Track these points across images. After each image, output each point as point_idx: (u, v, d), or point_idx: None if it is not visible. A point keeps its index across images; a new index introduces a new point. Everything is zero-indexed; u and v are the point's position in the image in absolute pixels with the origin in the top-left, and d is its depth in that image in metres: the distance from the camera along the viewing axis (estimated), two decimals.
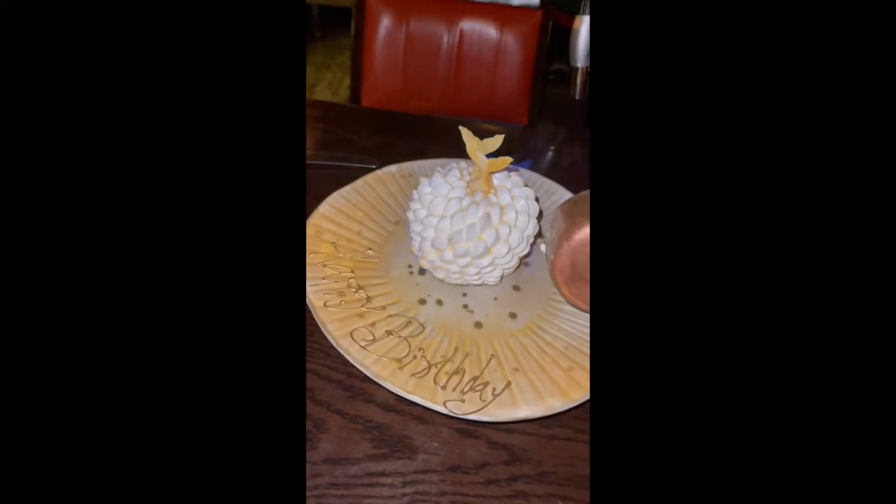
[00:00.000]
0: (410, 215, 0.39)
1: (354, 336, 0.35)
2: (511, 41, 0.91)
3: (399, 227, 0.45)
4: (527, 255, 0.41)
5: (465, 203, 0.37)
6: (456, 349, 0.36)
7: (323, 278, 0.39)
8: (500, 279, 0.40)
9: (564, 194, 0.49)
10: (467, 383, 0.34)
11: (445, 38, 0.92)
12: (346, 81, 1.99)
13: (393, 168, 0.50)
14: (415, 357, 0.35)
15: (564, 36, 0.56)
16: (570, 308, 0.40)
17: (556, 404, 0.33)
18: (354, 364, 0.33)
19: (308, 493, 0.30)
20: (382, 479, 0.31)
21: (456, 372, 0.34)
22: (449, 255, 0.37)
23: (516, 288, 0.42)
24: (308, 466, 0.31)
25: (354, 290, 0.39)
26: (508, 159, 0.37)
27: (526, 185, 0.39)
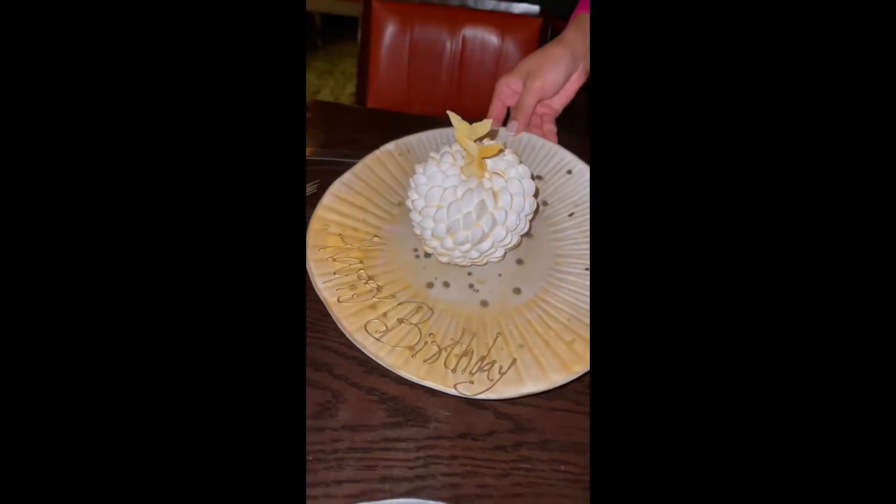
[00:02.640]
0: (409, 204, 0.41)
1: (368, 329, 0.37)
2: (512, 47, 0.94)
3: (401, 208, 0.46)
4: (528, 233, 0.42)
5: (459, 192, 0.38)
6: (463, 330, 0.38)
7: (334, 273, 0.40)
8: (504, 256, 0.42)
9: (565, 155, 0.48)
10: (475, 364, 0.36)
11: (448, 45, 0.95)
12: (349, 88, 2.03)
13: (390, 146, 0.50)
14: (426, 343, 0.37)
15: None
16: (572, 279, 0.41)
17: (557, 378, 0.35)
18: (371, 357, 0.36)
19: (329, 457, 0.32)
20: (398, 444, 0.33)
21: (465, 354, 0.36)
22: (449, 242, 0.39)
23: (519, 262, 0.43)
24: (328, 433, 0.33)
25: (365, 280, 0.40)
26: (499, 146, 0.38)
27: (520, 163, 0.40)
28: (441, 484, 0.31)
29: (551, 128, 0.53)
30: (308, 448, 0.32)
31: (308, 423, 0.34)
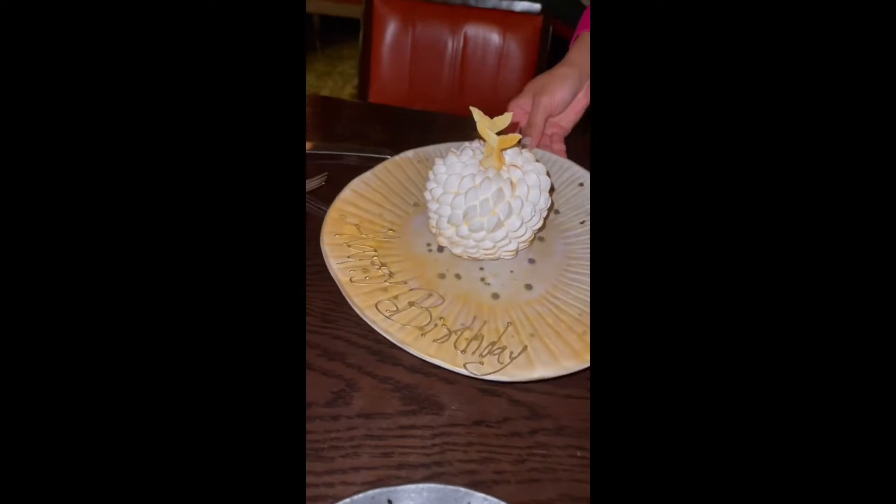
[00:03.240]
0: (428, 195, 0.42)
1: (379, 307, 0.37)
2: (513, 45, 0.95)
3: (417, 209, 0.48)
4: (541, 229, 0.44)
5: (477, 180, 0.39)
6: (474, 318, 0.38)
7: (348, 257, 0.41)
8: (516, 253, 0.43)
9: (577, 170, 0.51)
10: (486, 348, 0.36)
11: (450, 43, 0.96)
12: (347, 89, 2.03)
13: (409, 153, 0.52)
14: (436, 325, 0.37)
15: (565, 47, 0.59)
16: (584, 278, 0.42)
17: (569, 365, 0.35)
18: (380, 332, 0.36)
19: (345, 444, 0.32)
20: (413, 432, 0.33)
21: (475, 338, 0.37)
22: (465, 230, 0.40)
23: (531, 261, 0.44)
24: (344, 420, 0.33)
25: (378, 266, 0.41)
26: (518, 136, 0.39)
27: (537, 161, 0.41)
28: (458, 470, 0.31)
29: (561, 147, 0.56)
30: (323, 436, 0.32)
31: (323, 411, 0.33)
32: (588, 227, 0.46)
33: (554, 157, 0.53)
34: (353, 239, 0.43)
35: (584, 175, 0.50)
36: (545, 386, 0.37)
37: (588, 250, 0.44)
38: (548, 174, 0.41)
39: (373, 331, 0.39)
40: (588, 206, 0.47)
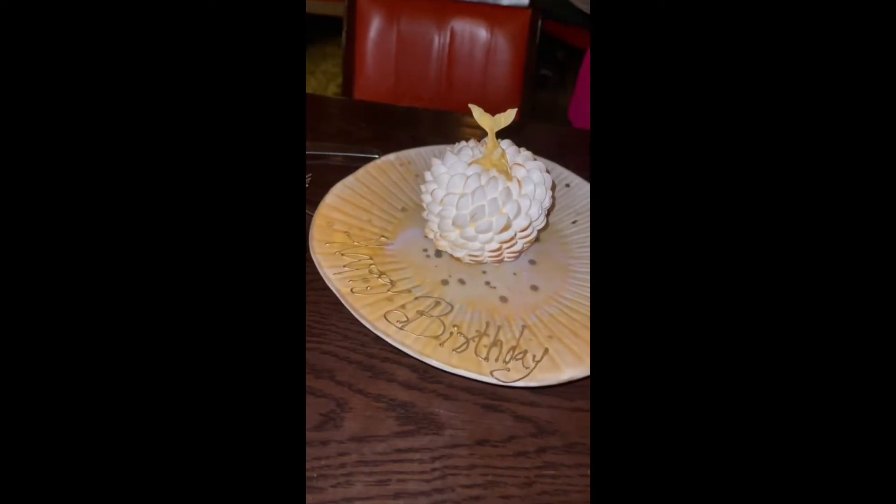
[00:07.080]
0: (427, 197, 0.39)
1: (389, 318, 0.35)
2: (501, 40, 0.92)
3: (406, 213, 0.45)
4: (543, 229, 0.42)
5: (483, 179, 0.37)
6: (488, 323, 0.36)
7: (344, 266, 0.38)
8: (519, 255, 0.41)
9: (562, 171, 0.51)
10: (507, 353, 0.34)
11: (436, 38, 0.93)
12: (331, 88, 1.99)
13: (391, 157, 0.50)
14: (451, 334, 0.35)
15: (550, 43, 0.58)
16: (587, 276, 0.41)
17: None
18: (395, 345, 0.33)
19: (336, 472, 0.29)
20: (411, 455, 0.30)
21: (494, 344, 0.35)
22: (471, 231, 0.38)
23: (532, 262, 0.43)
24: (334, 446, 0.30)
25: (377, 275, 0.39)
26: (514, 111, 0.38)
27: (535, 159, 0.40)
28: (461, 497, 0.29)
29: None
30: (312, 464, 0.29)
31: (311, 435, 0.31)
32: (580, 227, 0.46)
33: (541, 161, 0.53)
34: (345, 247, 0.40)
35: (569, 176, 0.50)
36: (551, 399, 0.34)
37: (583, 249, 0.44)
38: (547, 171, 0.39)
39: (363, 344, 0.36)
40: (577, 206, 0.48)
